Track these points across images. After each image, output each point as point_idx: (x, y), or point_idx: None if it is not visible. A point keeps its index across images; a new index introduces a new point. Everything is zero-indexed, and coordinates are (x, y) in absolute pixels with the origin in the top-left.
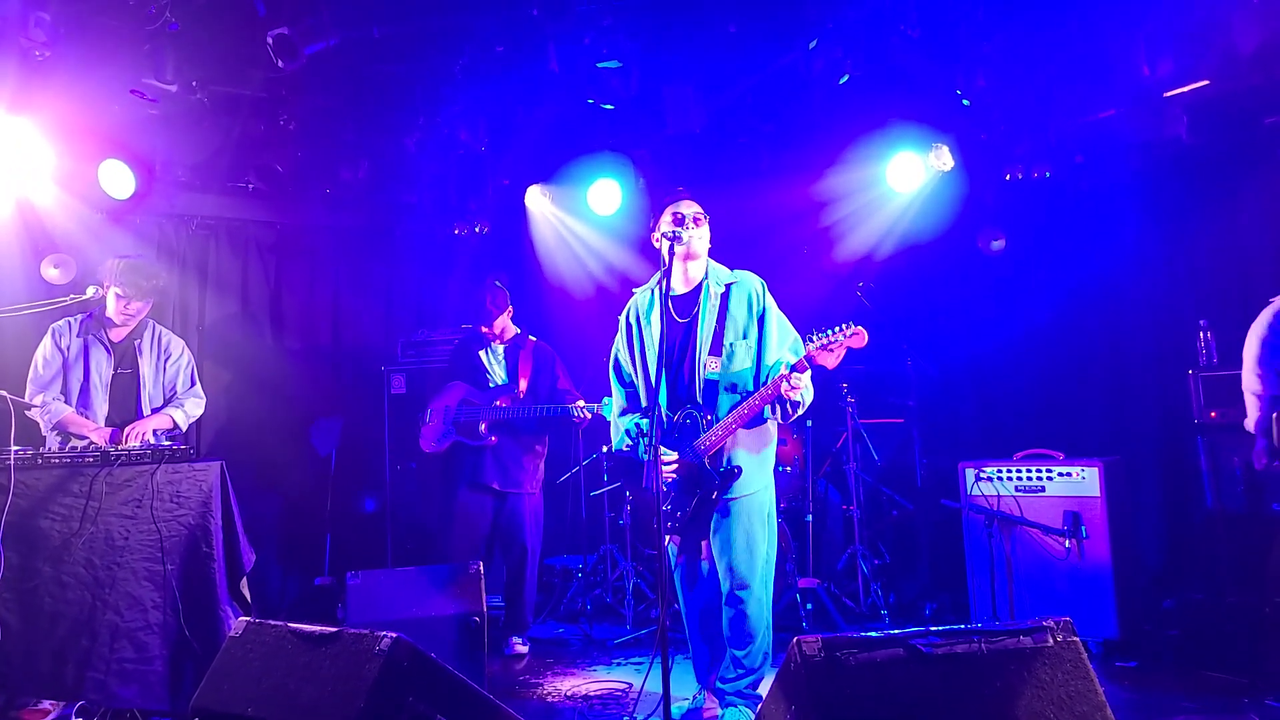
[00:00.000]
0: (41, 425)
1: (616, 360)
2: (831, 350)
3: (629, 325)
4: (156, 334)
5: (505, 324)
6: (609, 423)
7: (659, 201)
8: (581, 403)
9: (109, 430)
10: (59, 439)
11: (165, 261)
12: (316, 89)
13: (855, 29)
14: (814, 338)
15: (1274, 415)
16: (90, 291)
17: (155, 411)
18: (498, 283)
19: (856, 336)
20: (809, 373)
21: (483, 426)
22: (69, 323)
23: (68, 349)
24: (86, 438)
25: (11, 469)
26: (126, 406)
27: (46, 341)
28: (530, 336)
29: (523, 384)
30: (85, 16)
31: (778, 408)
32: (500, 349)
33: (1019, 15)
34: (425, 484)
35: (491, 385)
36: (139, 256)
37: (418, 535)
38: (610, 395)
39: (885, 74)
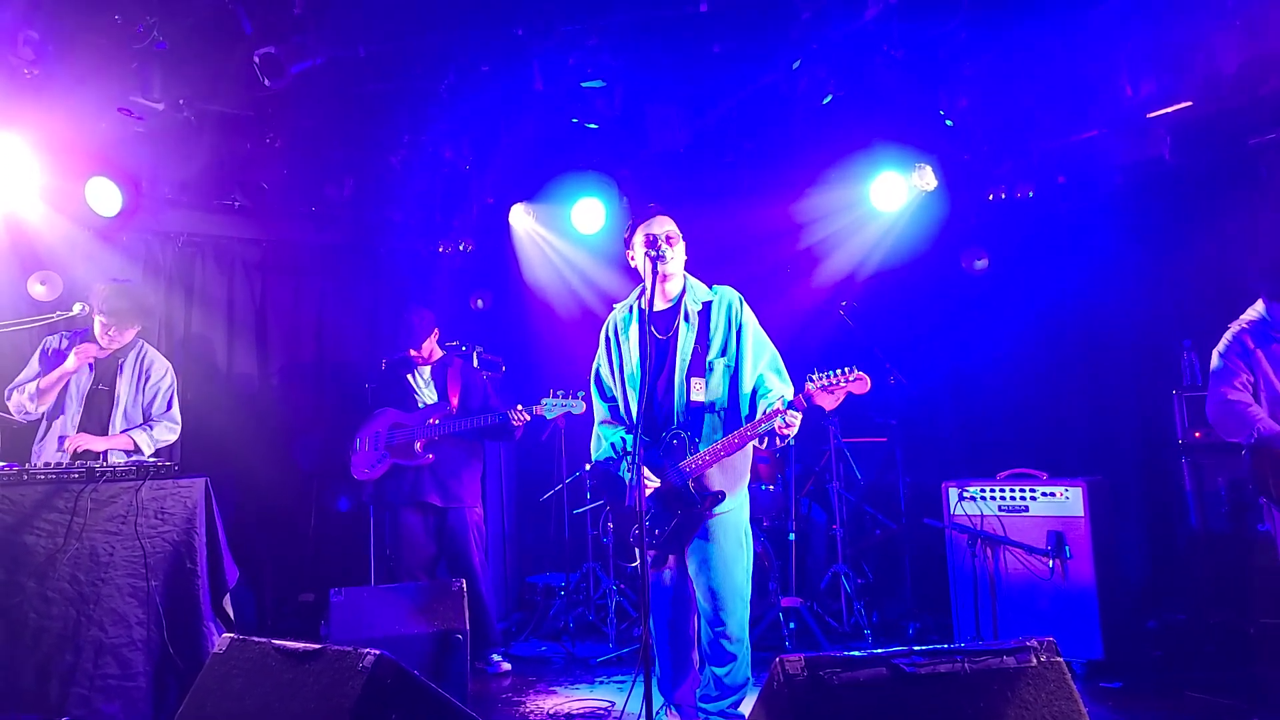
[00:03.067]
0: (14, 415)
1: (598, 375)
2: (832, 392)
3: (608, 341)
4: (141, 354)
5: (432, 346)
6: (590, 439)
7: (633, 218)
8: (520, 407)
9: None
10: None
11: (151, 279)
12: (302, 107)
13: (838, 50)
14: (815, 377)
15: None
16: (77, 309)
17: (125, 431)
18: (486, 302)
19: (859, 382)
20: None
21: (418, 445)
22: (60, 337)
23: (53, 358)
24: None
25: None
26: (99, 421)
27: (35, 353)
28: (457, 356)
29: (454, 401)
30: (73, 35)
31: (766, 439)
32: (427, 370)
33: (1002, 36)
34: None
35: (421, 406)
36: (127, 281)
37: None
38: (549, 396)
39: (868, 94)
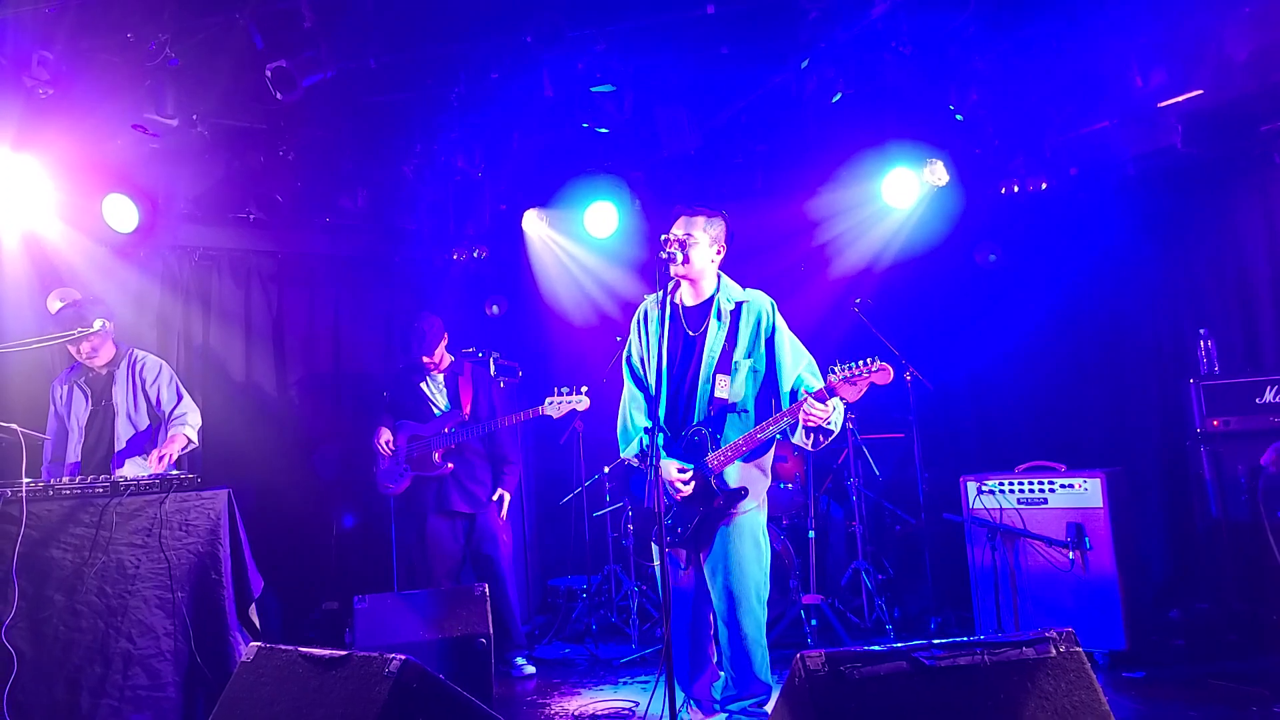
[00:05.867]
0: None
1: (629, 359)
2: (855, 384)
3: (639, 328)
4: (132, 360)
5: (442, 353)
6: (615, 440)
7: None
8: (530, 410)
9: None
10: None
11: (169, 293)
12: (315, 120)
13: (846, 48)
14: (837, 369)
15: None
16: (97, 325)
17: (147, 432)
18: (501, 308)
19: (882, 373)
20: (837, 400)
21: (436, 455)
22: (60, 377)
23: (60, 400)
24: None
25: (23, 500)
26: (102, 438)
27: (50, 407)
28: (467, 362)
29: (466, 407)
30: (87, 54)
31: (812, 435)
32: (440, 378)
33: (1011, 30)
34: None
35: (436, 414)
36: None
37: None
38: (552, 395)
39: (878, 91)
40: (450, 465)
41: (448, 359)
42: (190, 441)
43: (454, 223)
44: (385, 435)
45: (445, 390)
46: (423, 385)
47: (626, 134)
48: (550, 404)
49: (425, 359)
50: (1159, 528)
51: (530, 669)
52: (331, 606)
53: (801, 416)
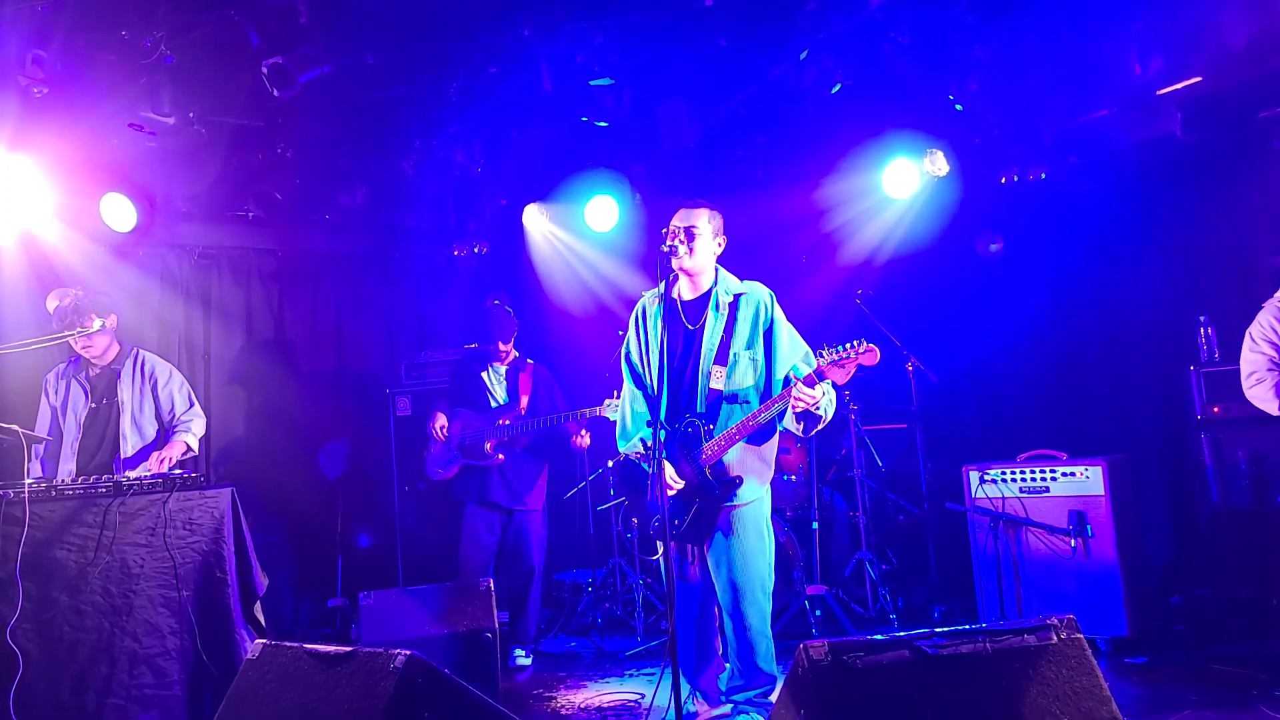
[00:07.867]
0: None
1: (628, 356)
2: (843, 366)
3: (638, 325)
4: (139, 361)
5: (510, 345)
6: (613, 432)
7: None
8: (587, 411)
9: None
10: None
11: (169, 292)
12: (313, 116)
13: (845, 38)
14: (825, 352)
15: None
16: (96, 324)
17: (153, 444)
18: (508, 308)
19: (869, 354)
20: (828, 384)
21: (488, 445)
22: (57, 370)
23: (54, 393)
24: None
25: (26, 501)
26: (105, 436)
27: (41, 398)
28: (529, 359)
29: (524, 401)
30: (83, 53)
31: (803, 423)
32: (503, 370)
33: (1009, 19)
34: (433, 504)
35: (493, 405)
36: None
37: (428, 554)
38: (612, 398)
39: (877, 82)
40: (501, 456)
41: (513, 353)
42: (189, 449)
43: (454, 218)
44: (440, 420)
45: (505, 383)
46: (484, 375)
47: (626, 128)
48: (609, 406)
49: (499, 346)
50: (1160, 514)
51: (526, 660)
52: (337, 603)
53: (791, 400)
